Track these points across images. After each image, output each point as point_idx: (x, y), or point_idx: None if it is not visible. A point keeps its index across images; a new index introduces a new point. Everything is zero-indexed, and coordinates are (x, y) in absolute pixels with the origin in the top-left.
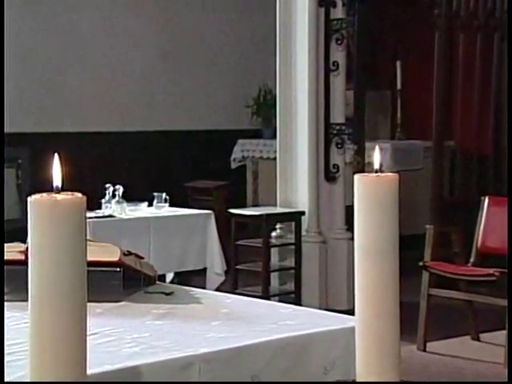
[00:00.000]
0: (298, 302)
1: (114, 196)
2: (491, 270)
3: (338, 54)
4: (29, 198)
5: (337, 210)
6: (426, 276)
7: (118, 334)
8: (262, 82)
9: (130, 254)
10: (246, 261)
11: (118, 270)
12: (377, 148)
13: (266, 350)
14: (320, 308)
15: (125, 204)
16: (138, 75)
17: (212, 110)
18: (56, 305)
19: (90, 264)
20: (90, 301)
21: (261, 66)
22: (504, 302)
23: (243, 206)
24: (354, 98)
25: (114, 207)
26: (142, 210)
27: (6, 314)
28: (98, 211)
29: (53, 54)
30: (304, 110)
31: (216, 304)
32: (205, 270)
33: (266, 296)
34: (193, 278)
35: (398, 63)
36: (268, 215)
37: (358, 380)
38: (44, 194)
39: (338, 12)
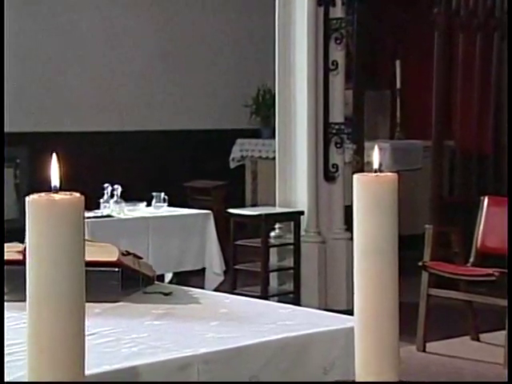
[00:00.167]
0: (297, 302)
1: (112, 196)
2: (491, 270)
3: (338, 54)
4: (27, 198)
5: (336, 210)
6: (425, 276)
7: (117, 335)
8: (261, 81)
9: (128, 254)
10: (244, 261)
11: (117, 270)
12: (376, 148)
13: (265, 350)
14: (319, 308)
15: (123, 204)
16: (137, 75)
17: (211, 109)
18: (54, 305)
19: (89, 264)
20: (88, 301)
21: (260, 65)
22: (504, 302)
23: (242, 205)
24: (354, 98)
25: (113, 207)
26: (141, 210)
27: (5, 314)
28: (96, 211)
29: (53, 54)
30: (303, 110)
31: (215, 304)
32: (203, 270)
33: (264, 296)
34: (191, 278)
35: (398, 62)
36: (267, 215)
37: (357, 380)
38: (42, 194)
39: (338, 11)
